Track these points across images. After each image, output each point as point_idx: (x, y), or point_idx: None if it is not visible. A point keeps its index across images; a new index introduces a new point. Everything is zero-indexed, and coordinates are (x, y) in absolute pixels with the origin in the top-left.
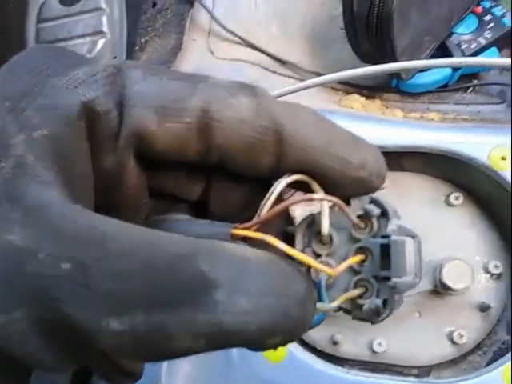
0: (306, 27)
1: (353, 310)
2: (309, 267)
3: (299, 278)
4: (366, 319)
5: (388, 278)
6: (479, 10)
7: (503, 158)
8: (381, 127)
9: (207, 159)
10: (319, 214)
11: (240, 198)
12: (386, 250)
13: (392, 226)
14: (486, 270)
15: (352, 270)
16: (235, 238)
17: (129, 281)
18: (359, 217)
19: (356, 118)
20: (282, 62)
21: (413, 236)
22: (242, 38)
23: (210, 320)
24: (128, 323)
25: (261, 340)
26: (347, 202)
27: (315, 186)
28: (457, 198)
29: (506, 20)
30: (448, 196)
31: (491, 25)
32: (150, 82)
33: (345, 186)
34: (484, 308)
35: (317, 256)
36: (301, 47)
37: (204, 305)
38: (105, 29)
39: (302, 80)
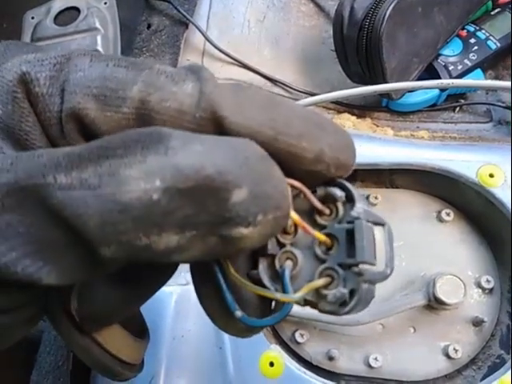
0: (297, 49)
1: (318, 301)
2: (272, 256)
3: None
4: (331, 311)
5: (355, 266)
6: (464, 33)
7: (491, 176)
8: (372, 145)
9: None
10: None
11: None
12: (352, 235)
13: (358, 209)
14: (478, 285)
15: (317, 259)
16: None
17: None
18: (323, 202)
19: None
20: (275, 82)
21: (382, 224)
22: (235, 59)
23: (161, 159)
24: (76, 176)
25: (224, 189)
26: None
27: None
28: (448, 214)
29: (490, 43)
30: (439, 212)
31: (476, 47)
32: (94, 69)
33: (300, 179)
34: (477, 323)
35: (281, 246)
36: (292, 68)
37: (156, 149)
38: (99, 48)
39: (294, 100)
